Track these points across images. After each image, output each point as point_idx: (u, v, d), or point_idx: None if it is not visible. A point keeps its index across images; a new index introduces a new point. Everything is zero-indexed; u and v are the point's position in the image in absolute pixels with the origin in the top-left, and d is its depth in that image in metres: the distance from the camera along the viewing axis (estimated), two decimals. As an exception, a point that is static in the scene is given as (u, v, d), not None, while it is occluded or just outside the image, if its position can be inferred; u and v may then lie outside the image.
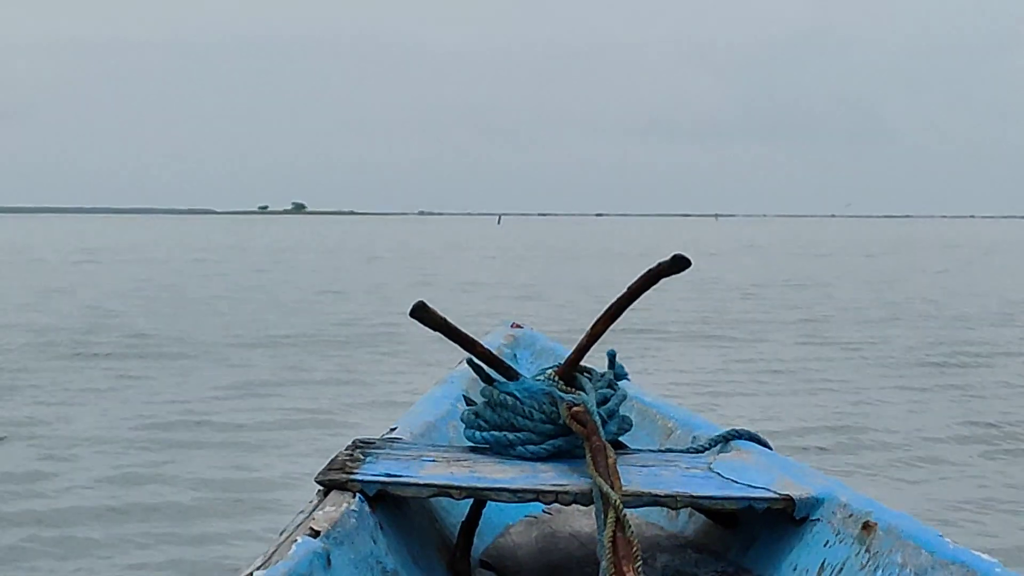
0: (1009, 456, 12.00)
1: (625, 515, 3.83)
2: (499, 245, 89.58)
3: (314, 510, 3.91)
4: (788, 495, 4.34)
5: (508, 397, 4.75)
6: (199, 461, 11.38)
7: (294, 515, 3.92)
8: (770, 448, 4.97)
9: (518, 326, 7.16)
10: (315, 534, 3.65)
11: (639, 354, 18.38)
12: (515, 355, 6.63)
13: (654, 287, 4.92)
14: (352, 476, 4.20)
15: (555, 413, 4.64)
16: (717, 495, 4.36)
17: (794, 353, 20.10)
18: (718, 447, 5.01)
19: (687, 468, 4.68)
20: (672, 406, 5.79)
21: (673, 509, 4.64)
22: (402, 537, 4.24)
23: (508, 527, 5.05)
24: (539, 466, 4.54)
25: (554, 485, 4.27)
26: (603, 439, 4.36)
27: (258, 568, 3.30)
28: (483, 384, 4.93)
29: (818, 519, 4.29)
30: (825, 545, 4.19)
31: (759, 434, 5.05)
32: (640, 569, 3.69)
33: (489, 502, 4.55)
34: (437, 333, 4.90)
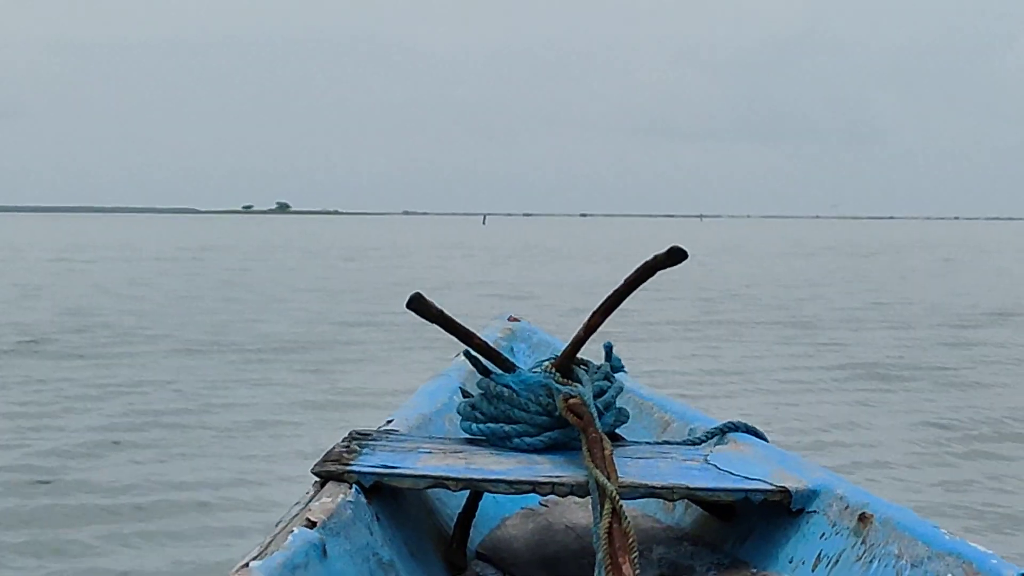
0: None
1: (621, 506, 3.83)
2: (485, 245, 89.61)
3: (310, 501, 3.91)
4: (784, 487, 4.35)
5: (504, 389, 4.74)
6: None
7: (290, 506, 3.92)
8: (766, 440, 4.97)
9: (515, 319, 7.15)
10: (311, 525, 3.65)
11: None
12: (512, 348, 6.62)
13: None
14: (348, 467, 4.19)
15: (551, 405, 4.64)
16: (713, 487, 4.36)
17: (758, 353, 20.19)
18: (715, 439, 5.01)
19: (683, 460, 4.68)
20: (669, 399, 5.79)
21: (669, 501, 4.65)
22: (398, 529, 4.24)
23: (504, 519, 5.05)
24: (535, 458, 4.54)
25: (550, 477, 4.28)
26: (599, 431, 4.34)
27: (254, 558, 3.30)
28: (480, 376, 4.93)
29: (814, 511, 4.30)
30: (821, 537, 4.20)
31: (756, 427, 5.06)
32: (636, 560, 3.69)
33: (486, 494, 4.55)
34: (434, 325, 4.91)
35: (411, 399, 5.64)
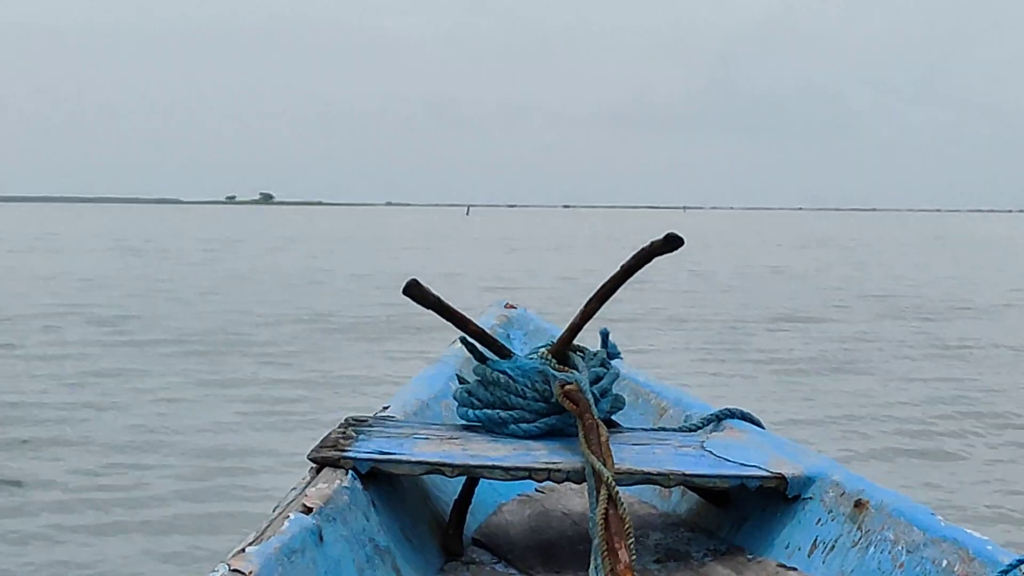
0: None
1: (617, 492, 3.83)
2: (469, 235, 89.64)
3: (307, 487, 3.92)
4: (780, 473, 4.36)
5: (501, 375, 4.76)
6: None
7: (287, 492, 3.93)
8: (763, 427, 4.99)
9: (511, 306, 7.16)
10: (308, 511, 3.66)
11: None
12: (508, 335, 6.63)
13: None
14: (345, 453, 4.20)
15: (548, 391, 4.66)
16: (709, 473, 4.37)
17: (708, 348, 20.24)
18: (711, 426, 5.02)
19: (680, 446, 4.69)
20: (665, 385, 5.80)
21: (666, 487, 4.66)
22: (394, 514, 4.24)
23: (501, 505, 5.06)
24: (532, 444, 4.55)
25: (547, 463, 4.29)
26: (596, 417, 4.35)
27: (251, 544, 3.31)
28: (476, 363, 4.94)
29: (810, 497, 4.31)
30: (817, 523, 4.21)
31: (752, 413, 5.07)
32: (632, 547, 3.69)
33: (482, 480, 4.55)
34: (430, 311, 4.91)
35: (408, 385, 5.65)
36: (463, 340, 5.03)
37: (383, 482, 4.25)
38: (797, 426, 12.25)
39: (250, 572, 3.15)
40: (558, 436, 4.63)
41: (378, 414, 4.93)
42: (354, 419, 4.74)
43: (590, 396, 4.50)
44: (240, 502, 9.55)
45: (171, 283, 33.76)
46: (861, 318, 25.31)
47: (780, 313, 25.87)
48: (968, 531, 3.67)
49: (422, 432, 4.65)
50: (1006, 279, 37.97)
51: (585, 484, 4.08)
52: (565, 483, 4.35)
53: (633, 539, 3.72)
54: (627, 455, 4.41)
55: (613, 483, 3.86)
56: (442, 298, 4.88)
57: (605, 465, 3.99)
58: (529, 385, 4.70)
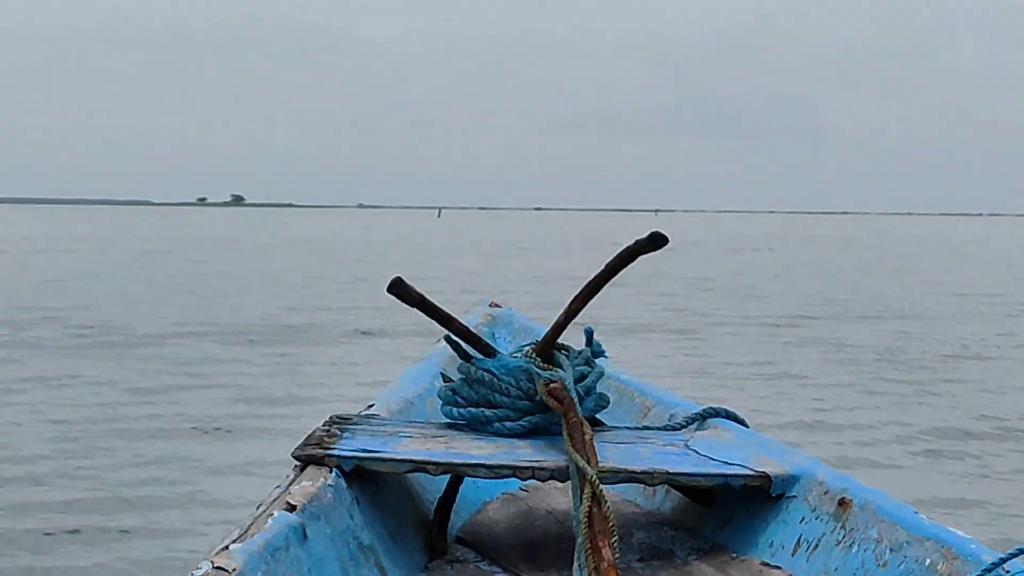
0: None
1: (601, 491, 3.84)
2: (441, 237, 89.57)
3: (291, 485, 3.92)
4: (764, 472, 4.38)
5: (485, 374, 4.76)
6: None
7: (271, 489, 3.92)
8: (747, 426, 5.00)
9: (496, 305, 7.16)
10: (292, 508, 3.66)
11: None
12: (493, 334, 6.63)
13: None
14: (329, 451, 4.20)
15: (532, 390, 4.66)
16: (694, 472, 4.38)
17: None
18: (695, 425, 5.03)
19: (664, 445, 4.70)
20: (649, 384, 5.79)
21: (650, 486, 4.67)
22: (379, 513, 4.25)
23: (485, 503, 5.06)
24: (516, 442, 4.55)
25: (531, 461, 4.29)
26: (580, 416, 4.36)
27: (234, 541, 3.31)
28: (461, 361, 4.94)
29: (794, 496, 4.32)
30: (801, 522, 4.22)
31: (736, 412, 5.08)
32: (616, 545, 3.70)
33: (466, 478, 4.56)
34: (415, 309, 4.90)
35: (392, 384, 5.64)
36: (448, 338, 5.03)
37: (367, 480, 4.25)
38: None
39: (234, 569, 3.15)
40: (542, 434, 4.63)
41: (363, 412, 4.93)
42: (338, 417, 4.73)
43: (574, 394, 4.51)
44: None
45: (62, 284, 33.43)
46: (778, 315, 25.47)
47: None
48: (951, 529, 3.68)
49: (406, 430, 4.65)
50: (937, 285, 37.71)
51: (569, 482, 4.09)
52: (549, 481, 4.36)
53: (617, 537, 3.74)
54: (611, 454, 4.41)
55: (597, 481, 3.87)
56: (426, 296, 4.88)
57: (589, 463, 4.01)
58: (514, 383, 4.70)
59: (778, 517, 4.33)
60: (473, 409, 4.75)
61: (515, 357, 4.87)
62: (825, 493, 4.20)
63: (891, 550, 3.78)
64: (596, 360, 5.03)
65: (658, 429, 5.05)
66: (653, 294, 30.71)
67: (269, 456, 10.79)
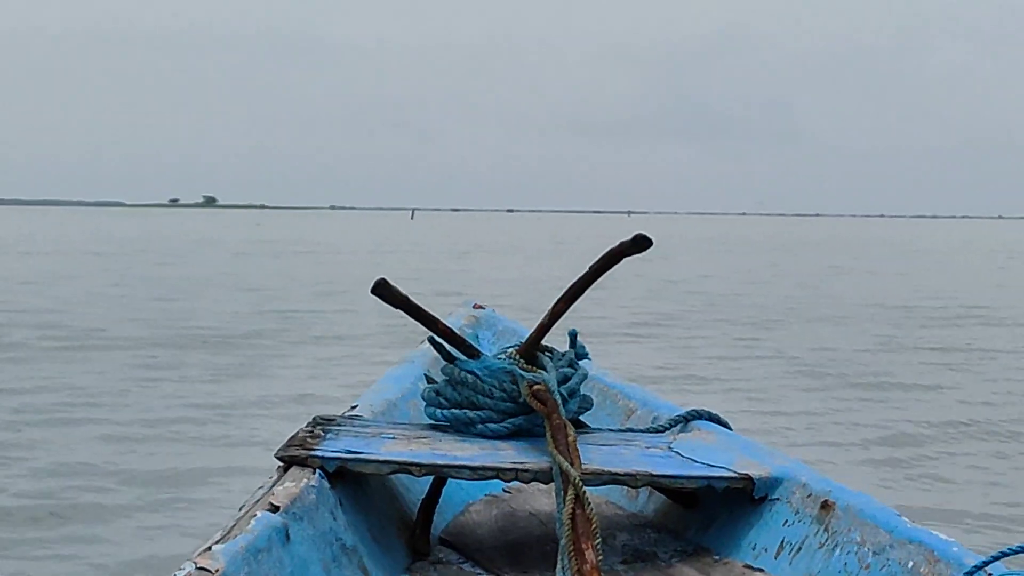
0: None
1: (584, 493, 3.84)
2: (414, 239, 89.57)
3: (274, 485, 3.91)
4: (747, 475, 4.38)
5: (469, 375, 4.75)
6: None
7: (254, 490, 3.92)
8: (730, 428, 5.01)
9: (480, 307, 7.16)
10: (274, 509, 3.66)
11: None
12: (477, 335, 6.62)
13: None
14: (312, 452, 4.19)
15: (516, 391, 4.67)
16: (677, 474, 4.38)
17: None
18: (678, 427, 5.04)
19: (647, 447, 4.71)
20: (633, 386, 5.79)
21: (633, 488, 4.67)
22: (362, 514, 4.24)
23: (468, 505, 5.05)
24: (499, 444, 4.56)
25: (514, 463, 4.29)
26: (563, 417, 4.36)
27: (217, 542, 3.31)
28: (444, 362, 4.93)
29: (777, 499, 4.33)
30: (784, 524, 4.23)
31: (719, 415, 5.09)
32: (599, 547, 3.70)
33: (449, 480, 4.56)
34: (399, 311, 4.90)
35: (376, 385, 5.64)
36: (431, 340, 5.02)
37: (350, 481, 4.24)
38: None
39: (216, 570, 3.15)
40: (526, 436, 4.63)
41: (346, 413, 4.93)
42: (322, 418, 4.73)
43: (558, 396, 4.51)
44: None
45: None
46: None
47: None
48: (934, 532, 3.69)
49: (390, 431, 4.65)
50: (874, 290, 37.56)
51: (552, 484, 4.09)
52: (533, 483, 4.36)
53: (600, 540, 3.74)
54: (594, 455, 4.41)
55: (580, 483, 3.87)
56: (410, 297, 4.87)
57: (572, 465, 4.01)
58: (497, 385, 4.70)
59: (761, 519, 4.33)
60: (456, 411, 4.75)
61: (499, 359, 4.87)
62: (808, 496, 4.21)
63: (874, 553, 3.79)
64: (580, 362, 5.03)
65: (641, 431, 5.06)
66: (617, 295, 30.68)
67: (229, 462, 10.85)
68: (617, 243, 4.77)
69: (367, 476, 4.32)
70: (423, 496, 4.62)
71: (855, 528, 3.92)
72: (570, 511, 3.79)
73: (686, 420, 5.07)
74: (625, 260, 4.81)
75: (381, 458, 4.23)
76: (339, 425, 4.66)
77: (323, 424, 4.64)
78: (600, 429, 5.08)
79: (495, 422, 4.67)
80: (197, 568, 3.13)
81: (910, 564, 3.63)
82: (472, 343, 5.08)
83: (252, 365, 17.51)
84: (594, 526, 3.75)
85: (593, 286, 4.91)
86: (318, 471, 4.11)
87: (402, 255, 59.64)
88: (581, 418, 4.99)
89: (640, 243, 4.72)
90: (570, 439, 4.21)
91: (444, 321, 5.08)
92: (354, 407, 5.06)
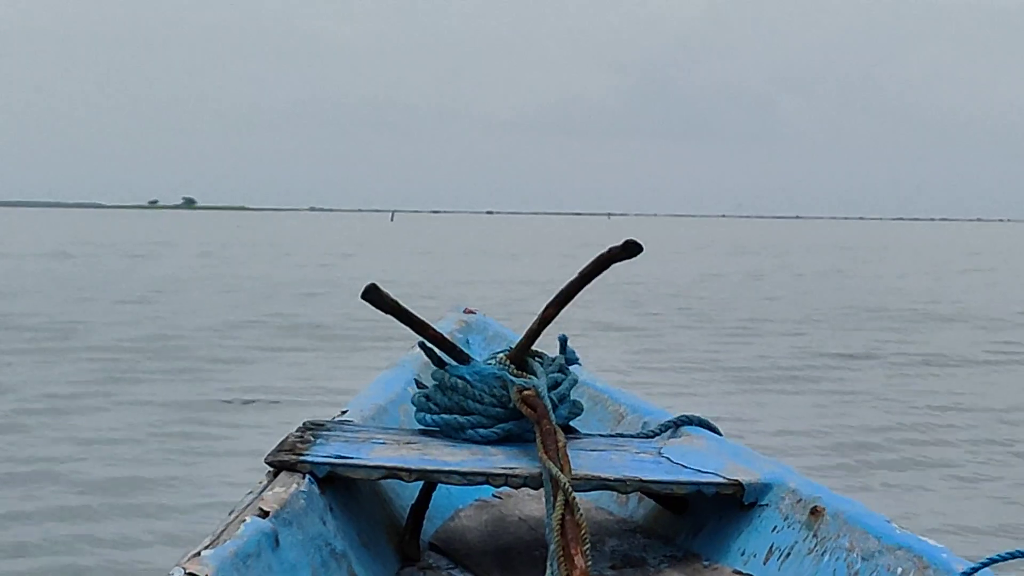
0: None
1: (574, 498, 3.84)
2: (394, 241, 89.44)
3: (263, 490, 3.91)
4: (737, 480, 4.38)
5: (459, 380, 4.76)
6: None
7: (243, 495, 3.91)
8: (720, 434, 5.01)
9: (471, 311, 7.17)
10: (264, 514, 3.65)
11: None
12: (467, 340, 6.64)
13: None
14: (302, 457, 4.19)
15: (506, 397, 4.67)
16: (666, 480, 4.38)
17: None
18: (668, 432, 5.04)
19: (637, 453, 4.71)
20: (623, 392, 5.80)
21: (623, 493, 4.67)
22: (351, 519, 4.23)
23: (458, 510, 5.05)
24: (489, 449, 4.56)
25: (504, 468, 4.29)
26: (553, 423, 4.36)
27: (206, 547, 3.31)
28: (434, 367, 4.94)
29: (767, 504, 4.33)
30: (773, 530, 4.23)
31: (709, 420, 5.09)
32: (588, 552, 3.70)
33: (439, 485, 4.55)
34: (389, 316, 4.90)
35: (366, 389, 5.64)
36: (421, 345, 5.02)
37: (340, 486, 4.23)
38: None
39: (205, 575, 3.15)
40: (516, 441, 4.64)
41: (336, 418, 4.93)
42: (312, 423, 4.74)
43: (548, 402, 4.51)
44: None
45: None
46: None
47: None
48: (923, 539, 3.69)
49: (380, 436, 4.65)
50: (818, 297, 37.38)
51: (542, 490, 4.08)
52: (522, 488, 4.37)
53: (589, 545, 3.74)
54: (584, 461, 4.41)
55: (570, 489, 3.87)
56: (400, 302, 4.87)
57: (562, 471, 4.00)
58: (487, 390, 4.71)
59: (750, 525, 4.33)
60: (447, 416, 4.75)
61: (489, 364, 4.88)
62: (798, 501, 4.21)
63: (863, 559, 3.78)
64: (570, 367, 5.04)
65: (631, 437, 5.07)
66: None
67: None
68: (607, 248, 4.79)
69: (357, 481, 4.32)
70: (413, 501, 4.61)
71: (844, 534, 3.92)
72: (559, 517, 3.78)
73: (676, 425, 5.06)
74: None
75: (371, 463, 4.23)
76: (329, 430, 4.66)
77: (313, 429, 4.64)
78: (590, 434, 5.08)
79: (485, 427, 4.67)
80: (186, 573, 3.12)
81: (899, 570, 3.63)
82: (462, 348, 5.09)
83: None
84: (583, 532, 3.75)
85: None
86: (308, 476, 4.10)
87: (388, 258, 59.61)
88: (571, 423, 4.99)
89: (630, 249, 4.73)
90: (560, 444, 4.21)
91: (434, 326, 5.09)
92: (344, 412, 5.07)
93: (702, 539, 4.54)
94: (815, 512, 4.10)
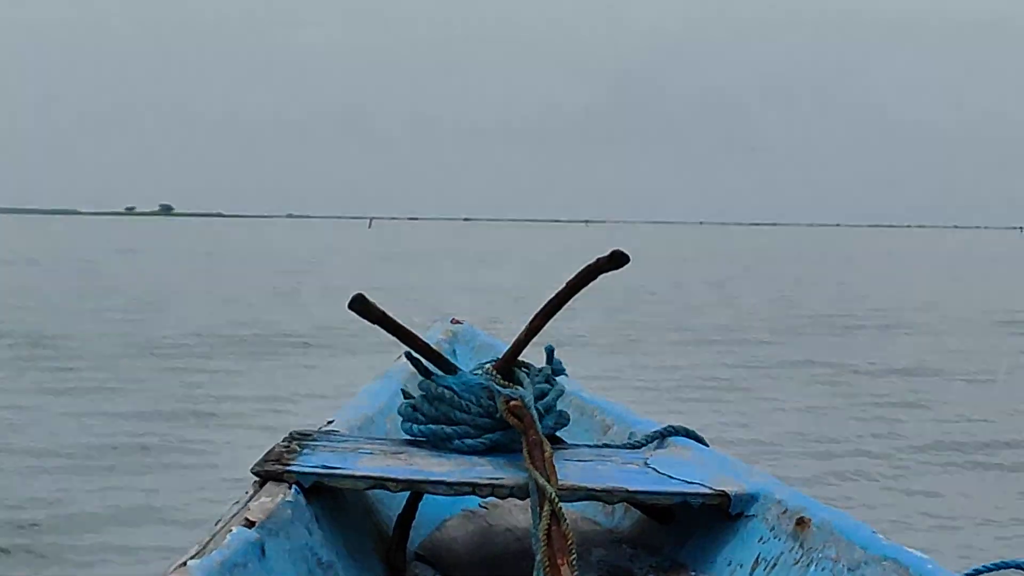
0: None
1: (560, 509, 3.84)
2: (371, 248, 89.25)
3: (249, 501, 3.90)
4: (723, 491, 4.39)
5: (446, 391, 4.76)
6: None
7: (229, 505, 3.91)
8: (706, 445, 5.01)
9: (457, 321, 7.18)
10: (250, 524, 3.65)
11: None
12: (454, 350, 6.63)
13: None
14: (288, 467, 4.19)
15: (492, 407, 4.66)
16: (653, 490, 4.39)
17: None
18: (655, 443, 5.04)
19: (623, 463, 4.71)
20: (610, 402, 5.80)
21: (609, 504, 4.68)
22: (338, 529, 4.23)
23: (444, 520, 5.05)
24: (476, 460, 4.56)
25: (490, 479, 4.30)
26: (540, 433, 4.36)
27: (192, 557, 3.30)
28: (421, 378, 4.93)
29: (753, 515, 4.33)
30: (759, 541, 4.23)
31: (696, 431, 5.09)
32: (575, 563, 3.71)
33: (426, 495, 4.54)
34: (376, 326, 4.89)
35: (352, 400, 5.64)
36: (408, 355, 5.02)
37: (327, 496, 4.23)
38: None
39: None
40: (502, 452, 4.63)
41: (322, 428, 4.92)
42: (298, 433, 4.73)
43: (535, 412, 4.51)
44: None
45: None
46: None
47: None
48: (909, 550, 3.69)
49: (366, 446, 4.65)
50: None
51: (529, 500, 4.09)
52: (509, 499, 4.37)
53: (576, 555, 3.74)
54: (571, 471, 4.41)
55: (556, 499, 3.88)
56: (387, 313, 4.87)
57: (549, 481, 4.01)
58: (474, 400, 4.71)
59: (737, 536, 4.34)
60: (433, 426, 4.75)
61: (476, 374, 4.87)
62: (784, 512, 4.22)
63: (849, 570, 3.79)
64: (556, 378, 5.04)
65: (618, 447, 5.07)
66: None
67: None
68: (594, 259, 4.79)
69: (343, 491, 4.32)
70: (399, 511, 4.61)
71: (830, 544, 3.93)
72: (546, 527, 3.79)
73: (662, 436, 5.06)
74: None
75: (358, 473, 4.23)
76: (315, 440, 4.65)
77: (299, 439, 4.63)
78: (577, 445, 5.08)
79: (472, 437, 4.67)
80: None
81: None
82: (449, 358, 5.09)
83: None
84: (570, 542, 3.75)
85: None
86: (294, 486, 4.10)
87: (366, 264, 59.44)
88: (558, 434, 4.99)
89: (617, 259, 4.74)
90: (546, 455, 4.21)
91: (421, 336, 5.09)
92: (331, 422, 5.05)
93: (688, 550, 4.54)
94: (801, 523, 4.11)
